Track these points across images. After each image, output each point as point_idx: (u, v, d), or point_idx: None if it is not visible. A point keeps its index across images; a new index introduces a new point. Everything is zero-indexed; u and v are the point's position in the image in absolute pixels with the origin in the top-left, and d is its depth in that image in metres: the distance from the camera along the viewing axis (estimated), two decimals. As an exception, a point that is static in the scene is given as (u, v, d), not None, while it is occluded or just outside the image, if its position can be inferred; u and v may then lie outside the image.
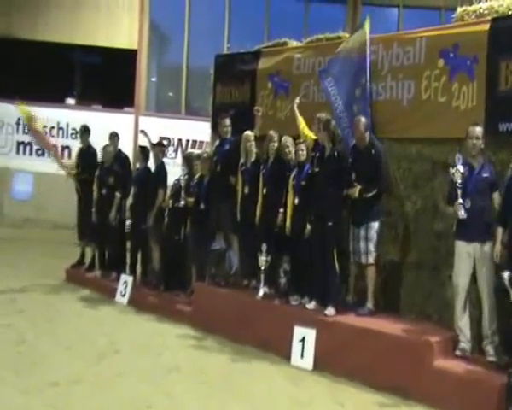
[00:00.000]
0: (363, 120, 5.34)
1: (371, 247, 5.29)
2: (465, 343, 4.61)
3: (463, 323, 4.63)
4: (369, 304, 5.32)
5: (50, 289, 7.43)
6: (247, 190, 6.23)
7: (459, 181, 4.53)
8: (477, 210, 4.50)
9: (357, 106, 5.73)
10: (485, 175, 4.56)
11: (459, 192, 4.53)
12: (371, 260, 5.30)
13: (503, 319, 4.42)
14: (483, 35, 4.91)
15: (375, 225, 5.30)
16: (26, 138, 13.08)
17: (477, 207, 4.51)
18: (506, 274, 4.02)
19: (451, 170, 4.59)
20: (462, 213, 4.52)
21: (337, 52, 5.94)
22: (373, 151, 5.27)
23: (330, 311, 5.23)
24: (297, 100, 6.09)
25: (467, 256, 4.57)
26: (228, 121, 6.60)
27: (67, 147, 12.78)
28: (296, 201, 5.65)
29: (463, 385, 4.26)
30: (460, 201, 4.53)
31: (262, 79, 6.83)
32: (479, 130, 4.60)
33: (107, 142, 7.87)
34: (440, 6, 11.79)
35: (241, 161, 6.34)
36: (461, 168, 4.53)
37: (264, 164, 6.13)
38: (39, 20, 13.02)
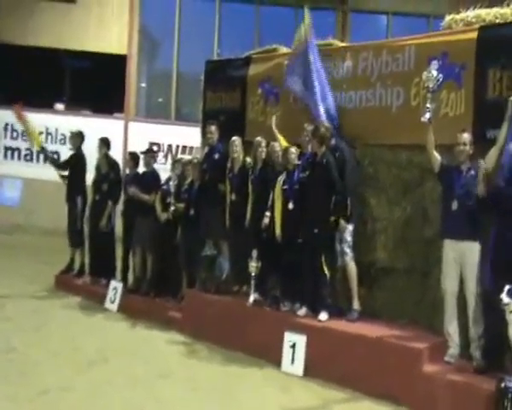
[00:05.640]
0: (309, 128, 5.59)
1: (345, 248, 5.39)
2: (454, 349, 4.65)
3: (452, 328, 4.67)
4: (355, 305, 5.39)
5: (39, 296, 7.37)
6: (234, 197, 6.25)
7: (431, 85, 4.60)
8: (465, 211, 4.54)
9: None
10: (471, 173, 4.60)
11: (429, 96, 4.62)
12: (347, 260, 5.39)
13: (488, 324, 4.43)
14: (471, 43, 4.97)
15: (349, 227, 5.38)
16: (14, 144, 13.02)
17: (465, 207, 4.55)
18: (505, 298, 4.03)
19: (424, 73, 4.65)
20: (426, 117, 4.59)
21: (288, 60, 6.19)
22: (324, 160, 5.37)
23: (324, 316, 5.25)
24: (274, 119, 6.18)
25: (453, 260, 4.61)
26: (213, 128, 6.60)
27: (56, 152, 12.72)
28: (291, 206, 5.63)
29: (453, 391, 4.29)
30: (428, 105, 4.60)
31: (252, 86, 6.85)
32: (466, 136, 4.66)
33: (96, 147, 7.85)
34: (429, 14, 11.92)
35: (228, 166, 6.36)
36: (434, 73, 4.59)
37: (252, 170, 6.15)
38: (28, 25, 12.97)
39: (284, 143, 5.99)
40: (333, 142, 5.55)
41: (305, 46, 5.93)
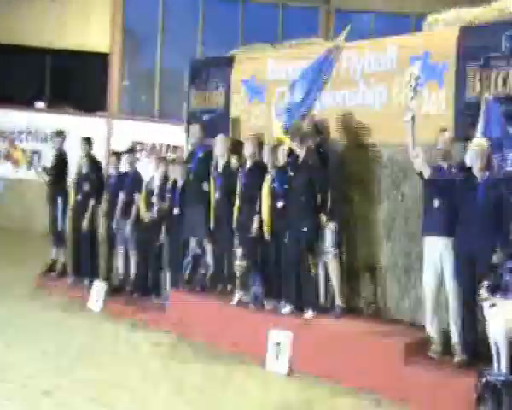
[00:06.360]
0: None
1: (328, 245, 5.42)
2: (436, 344, 4.70)
3: (434, 324, 4.73)
4: (338, 301, 5.43)
5: (21, 298, 7.25)
6: (218, 195, 6.23)
7: (413, 85, 4.63)
8: (446, 208, 4.60)
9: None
10: (452, 171, 4.67)
11: (411, 94, 4.64)
12: (330, 257, 5.43)
13: (467, 319, 4.50)
14: (451, 43, 5.04)
15: (331, 225, 5.42)
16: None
17: (445, 204, 4.60)
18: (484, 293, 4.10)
19: (407, 73, 4.69)
20: (408, 117, 4.60)
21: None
22: (309, 161, 5.39)
23: (309, 314, 5.28)
24: (274, 101, 6.04)
25: (434, 256, 4.68)
26: (196, 128, 6.61)
27: (36, 152, 12.54)
28: (280, 204, 5.61)
29: (435, 385, 4.34)
30: (410, 104, 4.62)
31: (236, 84, 6.84)
32: (447, 135, 4.73)
33: (79, 146, 7.78)
34: (411, 13, 12.01)
35: (213, 165, 6.35)
36: (416, 71, 4.62)
37: (241, 169, 6.13)
38: (9, 23, 12.78)
39: (279, 132, 5.88)
40: (318, 139, 5.57)
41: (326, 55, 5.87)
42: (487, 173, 4.43)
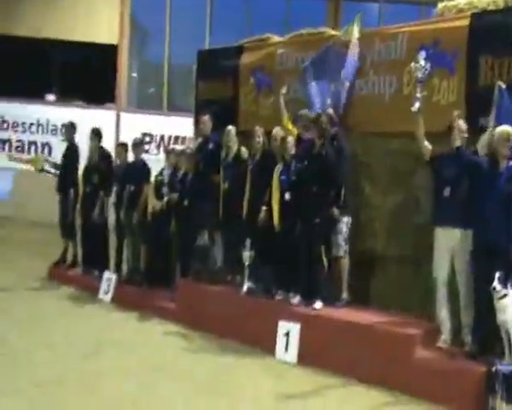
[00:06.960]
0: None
1: (340, 240, 5.38)
2: (446, 335, 4.68)
3: (444, 315, 4.70)
4: (344, 295, 5.43)
5: (32, 288, 7.33)
6: (226, 186, 6.22)
7: (419, 75, 4.59)
8: (457, 198, 4.55)
9: (331, 99, 5.81)
10: (464, 157, 4.61)
11: (419, 86, 4.61)
12: (341, 253, 5.40)
13: (479, 309, 4.47)
14: (463, 30, 4.98)
15: (344, 219, 5.38)
16: (5, 135, 12.90)
17: (457, 194, 4.56)
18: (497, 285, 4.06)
19: (413, 63, 4.64)
20: (415, 107, 4.57)
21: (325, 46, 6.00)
22: (324, 152, 5.33)
23: (319, 304, 5.27)
24: (283, 90, 5.98)
25: (445, 247, 4.64)
26: (206, 118, 6.61)
27: (47, 144, 12.61)
28: (287, 196, 5.59)
29: (445, 376, 4.32)
30: (418, 95, 4.58)
31: (245, 75, 6.82)
32: (462, 123, 4.65)
33: (87, 138, 7.80)
34: (421, 1, 11.88)
35: (222, 155, 6.34)
36: (422, 62, 4.57)
37: (251, 160, 6.11)
38: (17, 15, 12.82)
39: (287, 122, 5.87)
40: (333, 131, 5.52)
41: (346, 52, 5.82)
42: (511, 163, 4.35)
